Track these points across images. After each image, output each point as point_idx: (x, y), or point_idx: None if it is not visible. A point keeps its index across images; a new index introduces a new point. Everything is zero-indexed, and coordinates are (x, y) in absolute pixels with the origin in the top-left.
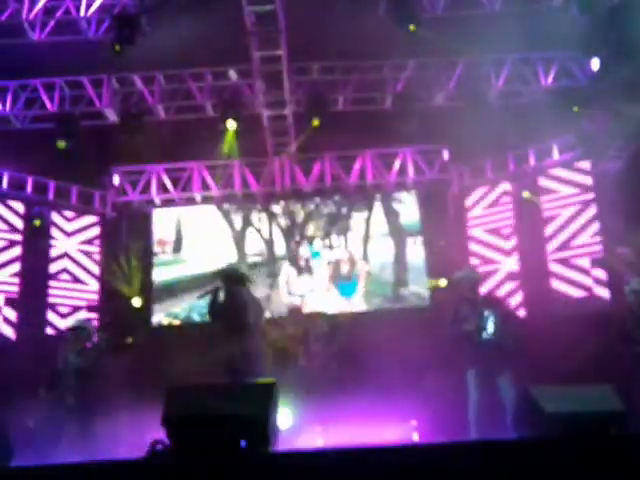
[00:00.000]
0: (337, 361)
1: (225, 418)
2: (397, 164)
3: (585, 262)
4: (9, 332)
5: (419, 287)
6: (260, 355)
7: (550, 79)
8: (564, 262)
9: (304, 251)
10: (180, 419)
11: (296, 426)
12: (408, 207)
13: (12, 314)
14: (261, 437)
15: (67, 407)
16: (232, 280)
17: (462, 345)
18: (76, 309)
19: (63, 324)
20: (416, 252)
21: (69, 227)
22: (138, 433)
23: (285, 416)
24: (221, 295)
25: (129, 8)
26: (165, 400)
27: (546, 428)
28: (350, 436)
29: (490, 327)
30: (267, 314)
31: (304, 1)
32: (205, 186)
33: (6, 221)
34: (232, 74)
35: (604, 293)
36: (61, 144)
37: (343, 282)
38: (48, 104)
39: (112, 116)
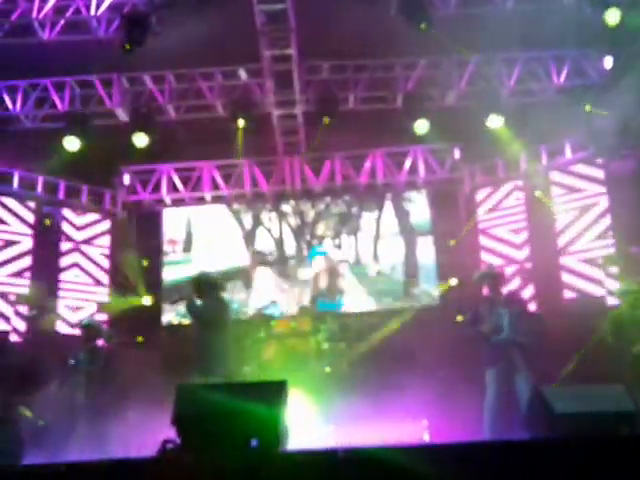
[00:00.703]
0: (347, 360)
1: (236, 417)
2: (408, 163)
3: (597, 263)
4: (21, 328)
5: (429, 286)
6: (227, 355)
7: (563, 77)
8: (576, 262)
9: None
10: (190, 418)
11: (307, 425)
12: (419, 206)
13: (23, 311)
14: (272, 436)
15: (78, 406)
16: (206, 286)
17: (480, 345)
18: (86, 308)
19: (73, 324)
20: (426, 251)
21: (79, 226)
22: (148, 432)
23: (295, 415)
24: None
25: (139, 7)
26: (175, 399)
27: (557, 428)
28: (360, 435)
29: (506, 326)
30: (278, 313)
31: (314, 0)
32: (215, 186)
33: (16, 220)
34: (242, 73)
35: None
36: (69, 145)
37: (324, 301)
38: (58, 103)
39: (122, 115)
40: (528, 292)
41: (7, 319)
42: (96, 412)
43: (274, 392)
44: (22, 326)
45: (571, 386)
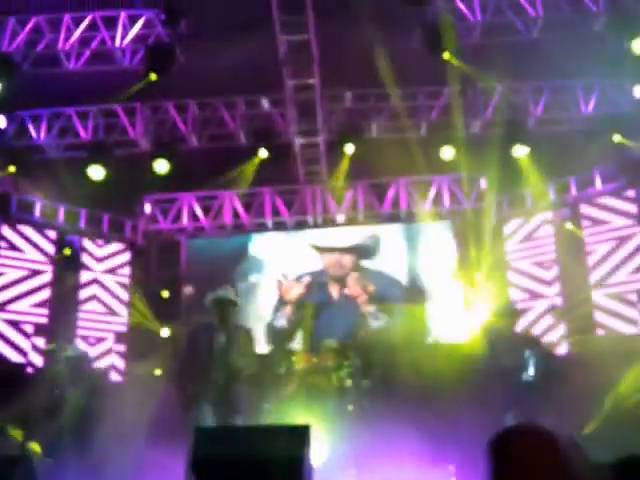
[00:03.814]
0: (369, 398)
1: (259, 461)
2: (432, 193)
3: (631, 295)
4: (38, 361)
5: (455, 321)
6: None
7: (591, 106)
8: (609, 299)
9: None
10: (210, 462)
11: (330, 467)
12: (443, 237)
13: (41, 342)
14: None
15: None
16: (224, 304)
17: (499, 383)
18: (105, 341)
19: (92, 353)
20: (451, 284)
21: (100, 255)
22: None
23: (318, 457)
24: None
25: (163, 38)
26: (193, 441)
27: (592, 478)
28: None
29: (531, 369)
30: (298, 346)
31: (337, 29)
32: (236, 215)
33: (37, 249)
34: (264, 103)
35: None
36: (93, 174)
37: None
38: (82, 132)
39: (145, 144)
40: (559, 330)
41: (24, 353)
42: (92, 451)
43: (297, 435)
44: (39, 360)
45: (606, 431)
